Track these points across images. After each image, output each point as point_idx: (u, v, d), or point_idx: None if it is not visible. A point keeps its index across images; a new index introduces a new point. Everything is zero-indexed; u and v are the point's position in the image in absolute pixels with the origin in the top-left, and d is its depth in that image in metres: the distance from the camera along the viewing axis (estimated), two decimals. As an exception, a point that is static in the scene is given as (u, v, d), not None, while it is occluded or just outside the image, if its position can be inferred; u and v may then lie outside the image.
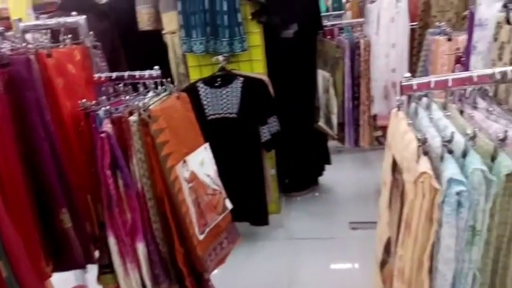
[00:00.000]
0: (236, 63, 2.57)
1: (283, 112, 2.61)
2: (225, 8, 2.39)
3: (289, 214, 3.07)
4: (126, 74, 1.72)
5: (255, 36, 2.57)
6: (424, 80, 1.11)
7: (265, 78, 2.54)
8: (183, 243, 1.56)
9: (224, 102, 2.43)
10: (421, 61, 2.43)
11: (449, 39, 2.18)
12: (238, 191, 2.36)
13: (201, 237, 1.57)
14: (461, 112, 1.21)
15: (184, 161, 1.55)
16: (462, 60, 1.71)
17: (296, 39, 2.71)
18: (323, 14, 3.38)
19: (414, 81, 1.11)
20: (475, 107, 1.21)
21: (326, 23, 3.14)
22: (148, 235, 1.53)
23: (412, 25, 2.68)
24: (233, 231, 1.78)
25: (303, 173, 3.30)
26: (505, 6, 1.25)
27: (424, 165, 0.95)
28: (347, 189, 3.38)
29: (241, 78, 2.42)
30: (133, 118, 1.49)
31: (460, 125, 1.12)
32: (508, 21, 1.22)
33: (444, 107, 1.25)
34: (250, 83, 2.42)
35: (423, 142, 0.99)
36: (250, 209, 2.54)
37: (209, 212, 1.62)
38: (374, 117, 2.78)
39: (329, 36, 3.08)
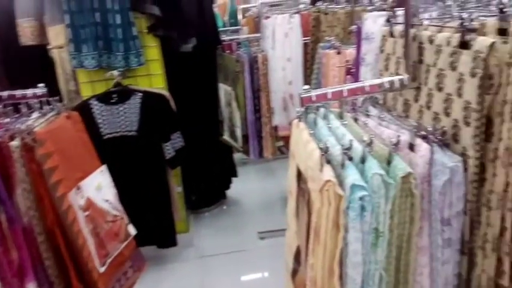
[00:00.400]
0: (133, 78, 2.45)
1: (187, 127, 2.55)
2: (118, 21, 2.27)
3: (198, 231, 3.00)
4: (5, 93, 1.53)
5: (153, 50, 2.48)
6: (322, 91, 1.15)
7: (165, 93, 2.46)
8: (82, 278, 1.41)
9: (122, 120, 2.29)
10: (314, 73, 2.55)
11: (339, 53, 2.32)
12: (143, 214, 2.24)
13: (102, 269, 1.44)
14: (356, 120, 1.27)
15: (78, 188, 1.41)
16: (352, 72, 1.82)
17: (196, 54, 2.68)
18: (220, 29, 3.40)
19: (313, 93, 1.14)
20: (367, 115, 1.29)
21: (224, 37, 3.17)
22: (40, 274, 1.36)
23: (305, 40, 2.80)
24: (138, 258, 1.67)
25: (210, 187, 3.26)
26: (388, 20, 1.35)
27: (328, 173, 0.97)
28: (254, 200, 3.42)
29: (140, 94, 2.31)
30: (15, 143, 1.31)
31: (356, 133, 1.17)
32: (391, 35, 1.33)
33: (340, 116, 1.31)
34: (149, 98, 2.32)
35: (325, 151, 1.01)
36: (156, 231, 2.41)
37: (110, 241, 1.49)
38: (275, 128, 2.84)
39: (227, 51, 3.11)
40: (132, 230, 1.64)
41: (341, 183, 0.98)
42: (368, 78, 1.54)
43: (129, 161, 2.28)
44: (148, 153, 2.32)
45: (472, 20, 0.97)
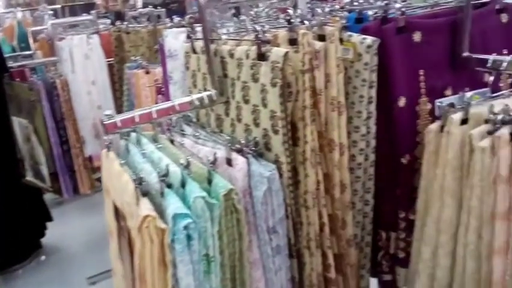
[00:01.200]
0: None
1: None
2: None
3: (10, 296, 2.50)
4: None
5: None
6: (128, 115, 1.04)
7: None
8: None
9: None
10: (125, 95, 2.42)
11: (147, 72, 2.25)
12: None
13: None
14: (172, 141, 1.20)
15: None
16: (162, 91, 1.76)
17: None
18: (9, 54, 2.95)
19: (118, 118, 1.02)
20: (183, 134, 1.23)
21: (13, 64, 2.74)
22: None
23: (109, 61, 2.63)
24: None
25: (18, 240, 2.77)
26: (188, 37, 1.32)
27: (145, 207, 0.87)
28: (78, 242, 3.06)
29: None
30: None
31: (174, 155, 1.10)
32: (194, 51, 1.30)
33: (155, 139, 1.22)
34: None
35: (139, 182, 0.91)
36: None
37: None
38: (90, 159, 2.58)
39: (17, 79, 2.69)
40: None
41: (163, 214, 0.89)
42: (178, 97, 1.49)
43: None
44: None
45: (265, 32, 1.00)
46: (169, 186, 0.93)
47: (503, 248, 0.97)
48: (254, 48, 1.03)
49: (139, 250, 0.88)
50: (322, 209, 1.10)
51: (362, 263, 1.29)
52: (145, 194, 0.90)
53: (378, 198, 1.22)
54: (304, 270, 1.11)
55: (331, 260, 1.12)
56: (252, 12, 1.31)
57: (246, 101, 1.09)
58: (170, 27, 1.55)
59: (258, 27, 0.99)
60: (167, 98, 1.64)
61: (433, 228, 1.10)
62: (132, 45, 2.57)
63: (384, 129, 1.14)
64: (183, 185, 0.95)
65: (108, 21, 3.49)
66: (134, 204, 0.91)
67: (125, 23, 2.66)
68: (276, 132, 1.02)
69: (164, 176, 0.93)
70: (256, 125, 1.08)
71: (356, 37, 1.07)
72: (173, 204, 0.87)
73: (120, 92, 2.59)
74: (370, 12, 1.18)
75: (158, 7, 2.80)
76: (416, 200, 1.15)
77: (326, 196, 1.11)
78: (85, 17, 2.82)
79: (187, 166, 0.95)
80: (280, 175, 1.04)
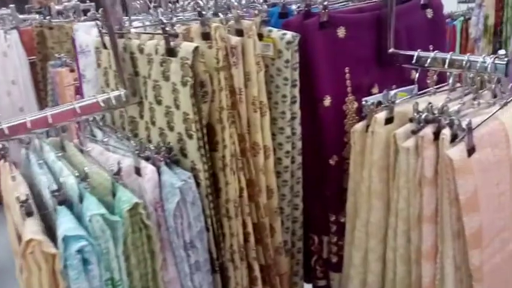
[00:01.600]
0: None
1: None
2: None
3: None
4: None
5: None
6: (18, 121, 0.90)
7: None
8: None
9: None
10: (49, 95, 2.23)
11: (72, 70, 2.07)
12: None
13: None
14: (81, 149, 1.07)
15: None
16: (80, 90, 1.61)
17: None
18: None
19: (5, 125, 0.88)
20: (95, 140, 1.10)
21: None
22: None
23: (31, 59, 2.42)
24: None
25: None
26: (100, 31, 1.19)
27: (29, 230, 0.74)
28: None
29: None
30: None
31: (80, 164, 0.97)
32: (104, 46, 1.17)
33: (62, 147, 1.08)
34: None
35: (24, 201, 0.78)
36: None
37: None
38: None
39: None
40: None
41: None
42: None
43: None
44: None
45: (173, 25, 0.90)
46: (64, 202, 0.81)
47: (431, 252, 0.94)
48: (163, 42, 0.93)
49: (25, 278, 0.75)
50: (246, 217, 1.01)
51: (294, 270, 1.23)
52: (30, 214, 0.78)
53: (308, 202, 1.16)
54: (229, 285, 1.03)
55: (257, 272, 1.04)
56: (170, 5, 1.20)
57: (159, 102, 0.99)
58: (84, 21, 1.41)
59: (165, 19, 0.89)
60: (83, 98, 1.50)
61: (363, 232, 1.05)
62: (56, 41, 2.37)
63: (311, 130, 1.08)
64: (82, 200, 0.83)
65: (37, 16, 3.24)
66: (22, 225, 0.79)
67: (48, 17, 2.45)
68: (190, 136, 0.93)
69: (57, 190, 0.81)
70: (171, 128, 0.98)
71: (276, 32, 0.99)
72: (64, 224, 0.76)
73: (45, 92, 2.38)
74: (294, 7, 1.11)
75: (88, 0, 2.61)
76: (346, 202, 1.10)
77: (250, 203, 1.03)
78: (3, 11, 2.57)
79: (84, 178, 0.83)
80: (198, 184, 0.94)
